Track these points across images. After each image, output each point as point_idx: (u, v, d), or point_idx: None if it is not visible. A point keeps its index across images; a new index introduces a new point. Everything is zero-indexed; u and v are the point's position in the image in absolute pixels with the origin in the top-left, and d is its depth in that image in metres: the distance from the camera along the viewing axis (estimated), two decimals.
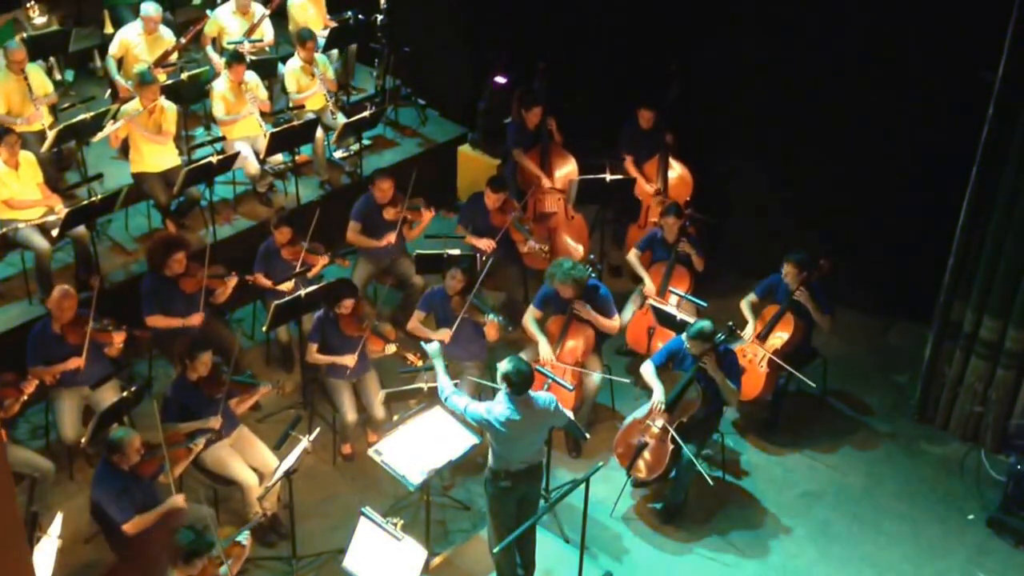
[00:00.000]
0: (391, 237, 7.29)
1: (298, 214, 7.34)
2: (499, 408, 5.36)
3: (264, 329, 6.79)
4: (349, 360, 6.42)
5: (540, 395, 5.51)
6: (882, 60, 7.23)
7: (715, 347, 6.17)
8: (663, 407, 6.21)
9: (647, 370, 6.42)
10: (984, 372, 6.75)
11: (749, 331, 6.84)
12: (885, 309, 7.90)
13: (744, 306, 6.98)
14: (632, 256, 7.38)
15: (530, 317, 6.77)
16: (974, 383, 6.82)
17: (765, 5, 7.62)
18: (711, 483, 6.26)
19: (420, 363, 6.41)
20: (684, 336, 6.22)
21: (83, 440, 6.01)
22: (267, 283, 6.96)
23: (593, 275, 6.76)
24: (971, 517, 6.51)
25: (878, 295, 7.82)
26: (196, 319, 6.58)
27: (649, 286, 7.22)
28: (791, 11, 7.47)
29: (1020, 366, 6.64)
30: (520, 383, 5.31)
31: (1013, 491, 6.33)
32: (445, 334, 6.50)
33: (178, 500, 5.48)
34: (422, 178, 7.42)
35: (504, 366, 5.34)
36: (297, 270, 6.91)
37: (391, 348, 6.53)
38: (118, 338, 6.28)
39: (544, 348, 6.60)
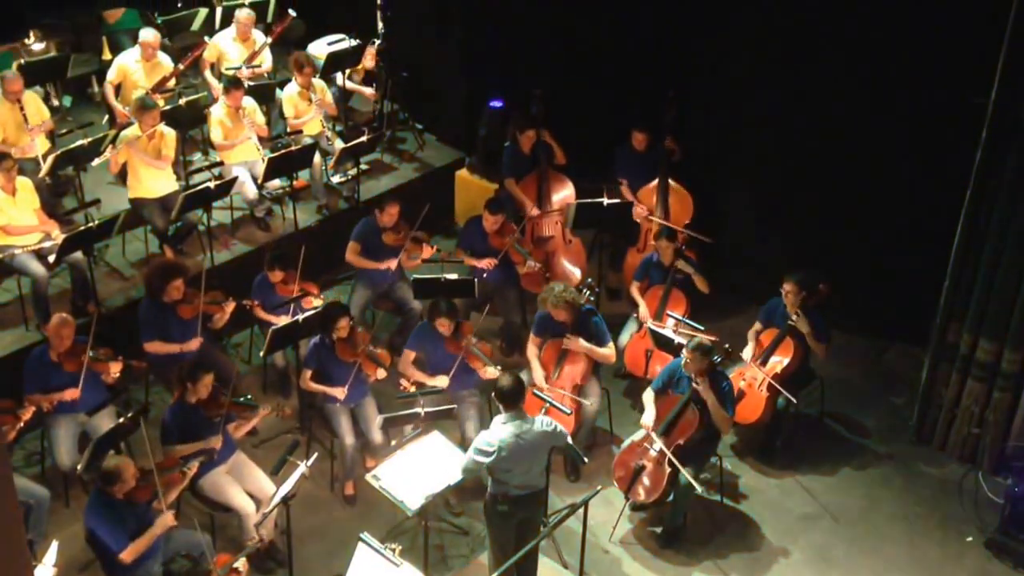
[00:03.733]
0: (391, 263, 7.30)
1: (294, 241, 7.35)
2: (495, 431, 5.36)
3: (261, 354, 6.79)
4: (339, 393, 6.42)
5: (539, 417, 5.53)
6: (877, 86, 7.29)
7: (712, 367, 6.18)
8: (651, 428, 6.24)
9: (647, 395, 6.46)
10: (981, 394, 6.77)
11: (748, 353, 6.86)
12: (882, 332, 7.93)
13: (751, 335, 7.02)
14: (633, 288, 7.43)
15: (530, 345, 6.81)
16: (971, 405, 6.83)
17: (761, 32, 7.69)
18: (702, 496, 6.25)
19: (413, 388, 6.42)
20: (684, 350, 6.22)
21: (79, 467, 5.98)
22: (265, 316, 6.97)
23: (591, 299, 6.79)
24: (970, 539, 6.50)
25: (875, 318, 7.85)
26: (194, 344, 6.58)
27: (644, 312, 7.25)
28: (787, 38, 7.54)
29: (1016, 388, 6.65)
30: (510, 394, 5.33)
31: (1011, 513, 6.33)
32: (443, 381, 6.47)
33: (168, 519, 5.46)
34: (423, 207, 7.42)
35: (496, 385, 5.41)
36: (291, 305, 6.92)
37: (381, 373, 6.51)
38: (115, 368, 6.28)
39: (537, 375, 6.63)
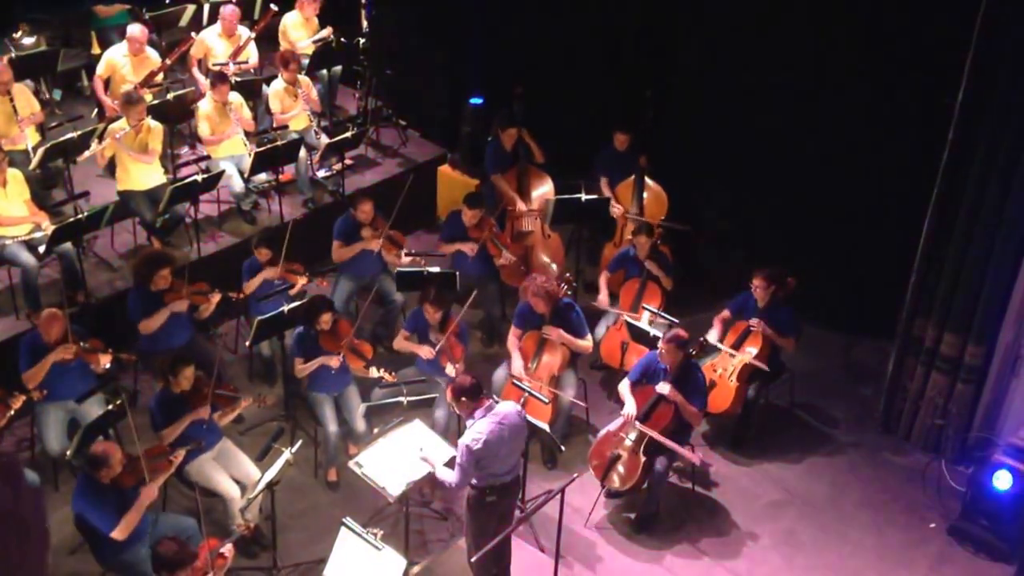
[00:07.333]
0: (376, 244, 7.42)
1: (280, 232, 7.48)
2: (476, 427, 5.49)
3: (247, 344, 6.93)
4: (334, 361, 6.54)
5: (505, 403, 5.67)
6: (847, 86, 7.46)
7: (687, 359, 6.35)
8: (634, 418, 6.39)
9: (623, 386, 6.60)
10: (944, 386, 6.95)
11: (712, 337, 7.05)
12: (850, 325, 8.10)
13: (717, 321, 7.19)
14: (601, 278, 7.58)
15: (511, 337, 6.97)
16: (935, 397, 7.01)
17: (736, 35, 7.86)
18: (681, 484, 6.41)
19: (391, 378, 6.57)
20: (660, 342, 6.38)
21: (68, 453, 6.10)
22: (251, 285, 7.10)
23: (569, 293, 6.95)
24: (933, 526, 6.70)
25: (843, 312, 8.02)
26: (181, 305, 6.70)
27: (603, 299, 7.42)
28: (760, 40, 7.71)
29: (978, 380, 6.85)
30: (473, 390, 5.49)
31: (972, 500, 6.53)
32: (427, 352, 6.68)
33: (152, 490, 5.57)
34: (402, 197, 7.58)
35: (449, 391, 5.56)
36: (277, 288, 7.07)
37: (375, 372, 6.62)
38: (104, 359, 6.39)
39: (517, 364, 6.79)
